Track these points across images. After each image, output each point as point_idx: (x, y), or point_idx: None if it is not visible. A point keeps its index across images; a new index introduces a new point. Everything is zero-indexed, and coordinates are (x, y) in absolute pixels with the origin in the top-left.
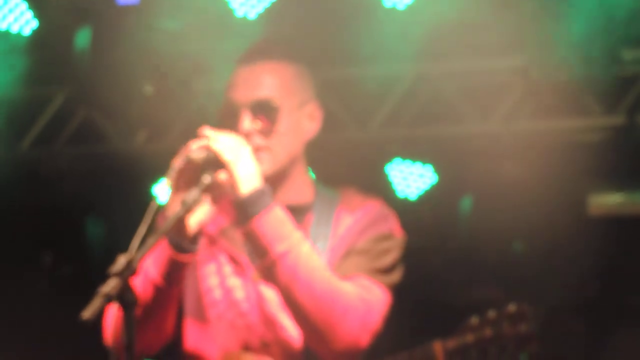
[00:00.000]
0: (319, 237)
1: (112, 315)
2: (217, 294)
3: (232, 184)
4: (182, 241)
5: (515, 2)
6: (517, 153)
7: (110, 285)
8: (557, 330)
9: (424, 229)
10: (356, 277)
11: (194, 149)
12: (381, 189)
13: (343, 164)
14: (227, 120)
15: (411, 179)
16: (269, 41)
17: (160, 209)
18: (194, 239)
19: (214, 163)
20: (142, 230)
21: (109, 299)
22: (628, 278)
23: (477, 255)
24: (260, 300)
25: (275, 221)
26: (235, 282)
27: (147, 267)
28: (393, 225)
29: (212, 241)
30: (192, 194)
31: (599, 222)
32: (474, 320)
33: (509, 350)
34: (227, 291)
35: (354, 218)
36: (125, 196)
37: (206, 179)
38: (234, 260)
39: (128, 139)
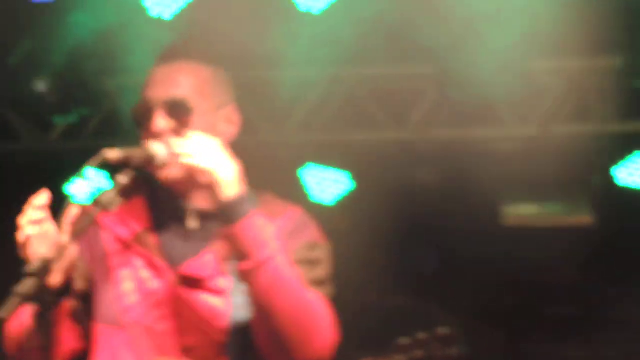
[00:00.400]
0: None
1: (17, 321)
2: (133, 299)
3: (213, 188)
4: (46, 295)
5: (429, 9)
6: (432, 160)
7: (27, 285)
8: (474, 338)
9: (337, 236)
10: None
11: (108, 150)
12: (295, 194)
13: (257, 168)
14: (142, 118)
15: (325, 184)
16: (188, 42)
17: (75, 208)
18: (64, 289)
19: (131, 162)
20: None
21: (26, 299)
22: (542, 287)
23: (393, 264)
24: (181, 304)
25: (258, 227)
26: (154, 286)
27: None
28: (316, 233)
29: (126, 246)
30: (108, 194)
31: (513, 232)
32: (405, 340)
33: None
34: (146, 296)
35: (275, 226)
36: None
37: (122, 179)
38: (151, 264)
39: (41, 137)
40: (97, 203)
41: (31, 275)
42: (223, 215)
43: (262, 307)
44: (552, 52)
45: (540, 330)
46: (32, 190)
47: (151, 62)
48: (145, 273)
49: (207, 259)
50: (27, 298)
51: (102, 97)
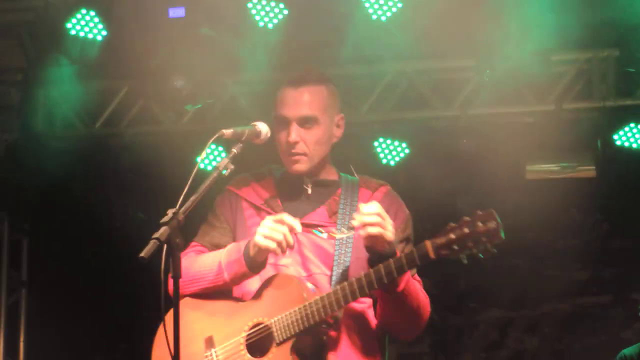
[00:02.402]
0: (347, 202)
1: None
2: None
3: (379, 243)
4: (256, 266)
5: (466, 15)
6: (472, 132)
7: (160, 232)
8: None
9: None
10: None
11: (225, 129)
12: (368, 159)
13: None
14: (280, 130)
15: (389, 150)
16: (309, 70)
17: (199, 172)
18: (262, 265)
19: (241, 138)
20: (185, 189)
21: (160, 242)
22: (557, 226)
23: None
24: (300, 245)
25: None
26: None
27: (223, 272)
28: (402, 206)
29: (257, 209)
30: (224, 161)
31: (534, 184)
32: (453, 224)
33: (483, 243)
34: None
35: (375, 199)
36: (174, 163)
37: (234, 150)
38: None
39: (175, 121)
40: (216, 168)
41: (163, 224)
42: (378, 260)
43: (399, 311)
44: (565, 46)
45: (554, 262)
46: (169, 160)
47: (260, 63)
48: None
49: (320, 213)
50: (162, 242)
51: (222, 90)
